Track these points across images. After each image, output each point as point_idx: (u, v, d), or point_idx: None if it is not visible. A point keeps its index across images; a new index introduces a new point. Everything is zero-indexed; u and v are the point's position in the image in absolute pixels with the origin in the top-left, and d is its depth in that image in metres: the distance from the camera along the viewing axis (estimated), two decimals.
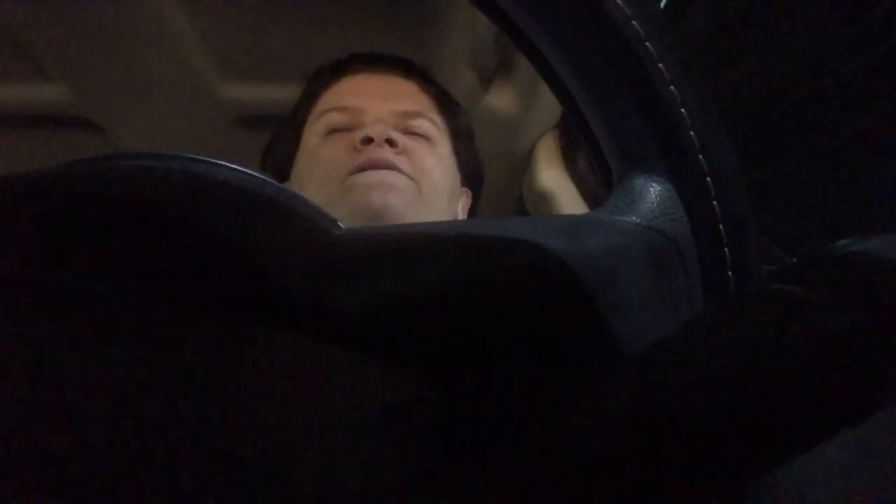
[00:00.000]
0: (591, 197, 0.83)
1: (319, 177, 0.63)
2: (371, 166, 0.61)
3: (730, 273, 0.29)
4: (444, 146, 0.69)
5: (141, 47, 0.81)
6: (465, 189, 0.74)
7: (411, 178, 0.62)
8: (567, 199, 0.85)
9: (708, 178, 0.29)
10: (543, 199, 0.87)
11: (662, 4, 0.60)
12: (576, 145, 0.86)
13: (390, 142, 0.62)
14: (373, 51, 0.73)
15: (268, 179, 0.26)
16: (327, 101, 0.69)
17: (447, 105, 0.73)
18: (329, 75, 0.71)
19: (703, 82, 0.30)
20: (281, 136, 0.73)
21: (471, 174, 0.75)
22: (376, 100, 0.67)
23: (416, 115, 0.67)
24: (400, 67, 0.72)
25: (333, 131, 0.66)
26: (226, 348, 0.20)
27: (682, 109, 0.29)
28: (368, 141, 0.61)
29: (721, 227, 0.29)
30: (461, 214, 0.74)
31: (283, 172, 0.70)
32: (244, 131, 0.92)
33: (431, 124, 0.68)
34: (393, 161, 0.61)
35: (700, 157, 0.29)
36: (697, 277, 0.29)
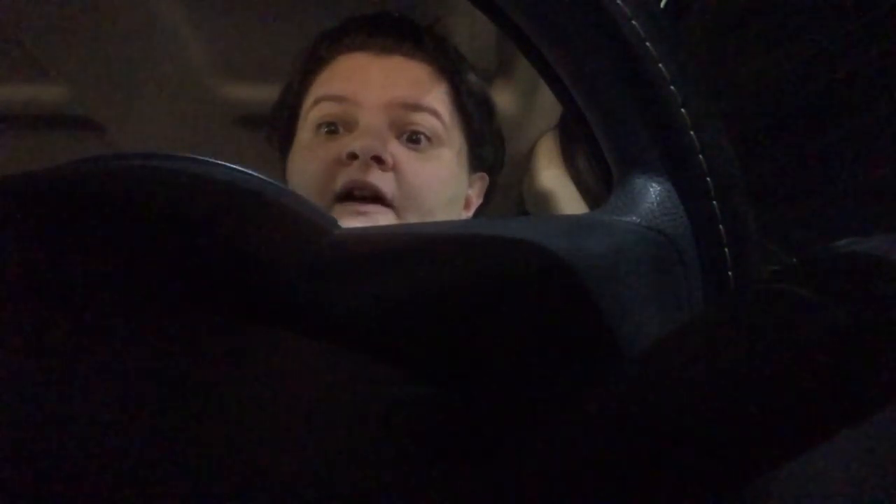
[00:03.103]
0: (591, 197, 0.83)
1: (307, 189, 0.60)
2: (354, 188, 0.57)
3: (730, 273, 0.29)
4: (450, 144, 0.64)
5: (140, 47, 0.81)
6: (480, 174, 0.70)
7: (393, 206, 0.58)
8: (567, 199, 0.85)
9: (708, 178, 0.29)
10: (543, 199, 0.87)
11: (662, 4, 0.60)
12: (576, 145, 0.85)
13: (378, 159, 0.57)
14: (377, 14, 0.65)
15: (268, 180, 0.26)
16: (321, 86, 0.64)
17: (463, 88, 0.66)
18: (327, 49, 0.65)
19: (703, 82, 0.30)
20: (280, 110, 0.70)
21: (488, 157, 0.70)
22: (373, 88, 0.61)
23: (419, 108, 0.61)
24: (408, 42, 0.64)
25: (325, 128, 0.62)
26: (226, 348, 0.20)
27: (682, 109, 0.29)
28: (354, 157, 0.57)
29: (721, 227, 0.29)
30: (475, 199, 0.70)
31: (284, 150, 0.68)
32: (244, 131, 0.92)
33: (435, 119, 0.62)
34: (376, 185, 0.57)
35: (700, 157, 0.29)
36: (697, 277, 0.29)
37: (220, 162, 0.26)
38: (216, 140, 0.92)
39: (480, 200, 0.72)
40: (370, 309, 0.21)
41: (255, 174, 0.26)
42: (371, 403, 0.20)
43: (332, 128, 0.62)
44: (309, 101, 0.65)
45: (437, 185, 0.62)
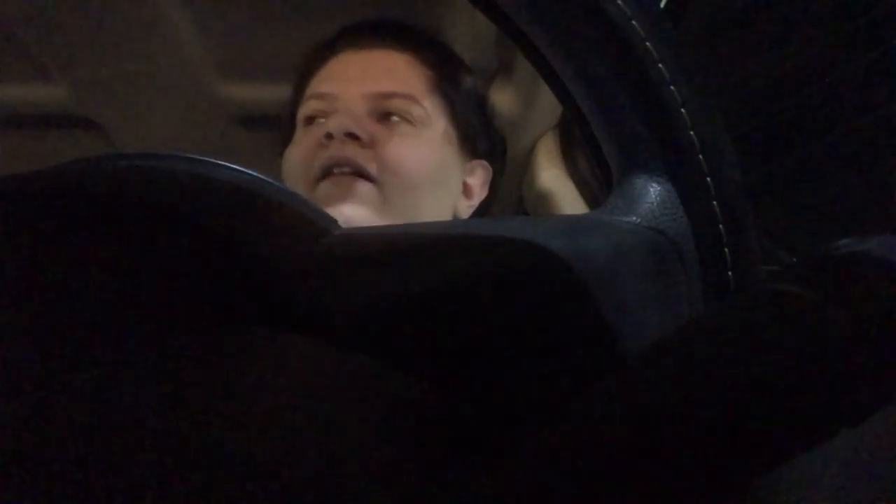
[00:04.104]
0: (591, 197, 0.83)
1: (294, 177, 0.63)
2: (333, 164, 0.59)
3: (730, 273, 0.29)
4: (432, 127, 0.65)
5: (141, 47, 0.81)
6: (479, 161, 0.70)
7: (374, 180, 0.60)
8: (567, 199, 0.85)
9: (708, 178, 0.29)
10: (543, 199, 0.87)
11: (662, 4, 0.60)
12: (576, 145, 0.85)
13: (353, 136, 0.60)
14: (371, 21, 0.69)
15: (268, 179, 0.26)
16: (311, 88, 0.68)
17: (444, 75, 0.68)
18: (319, 55, 0.69)
19: (703, 82, 0.30)
20: (286, 116, 0.73)
21: (484, 144, 0.71)
22: (350, 83, 0.64)
23: (393, 95, 0.63)
24: (389, 39, 0.67)
25: (311, 121, 0.65)
26: (226, 349, 0.20)
27: (682, 109, 0.29)
28: (330, 136, 0.60)
29: (721, 227, 0.29)
30: (478, 189, 0.71)
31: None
32: (244, 131, 0.92)
33: (412, 103, 0.64)
34: (353, 160, 0.59)
35: (700, 157, 0.29)
36: (697, 278, 0.29)
37: (220, 162, 0.26)
38: (216, 140, 0.92)
39: (485, 192, 0.72)
40: (370, 309, 0.21)
41: (256, 174, 0.26)
42: (371, 403, 0.20)
43: (316, 121, 0.65)
44: (303, 101, 0.68)
45: (417, 161, 0.63)
